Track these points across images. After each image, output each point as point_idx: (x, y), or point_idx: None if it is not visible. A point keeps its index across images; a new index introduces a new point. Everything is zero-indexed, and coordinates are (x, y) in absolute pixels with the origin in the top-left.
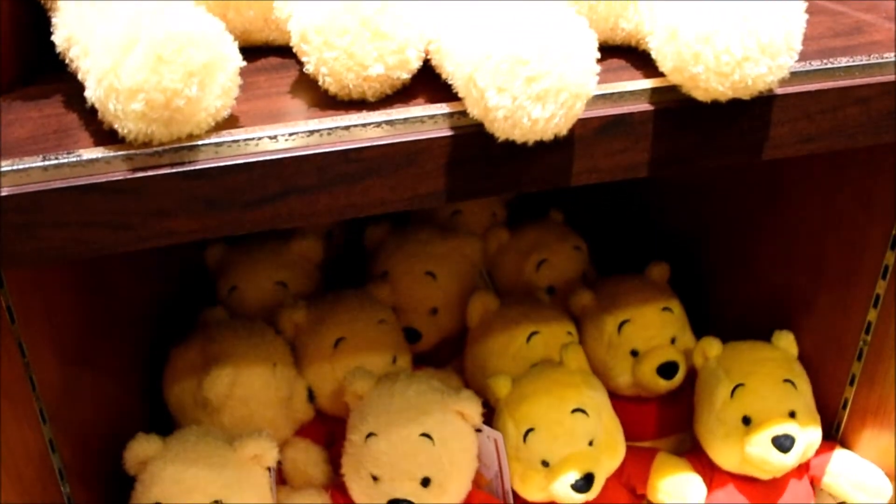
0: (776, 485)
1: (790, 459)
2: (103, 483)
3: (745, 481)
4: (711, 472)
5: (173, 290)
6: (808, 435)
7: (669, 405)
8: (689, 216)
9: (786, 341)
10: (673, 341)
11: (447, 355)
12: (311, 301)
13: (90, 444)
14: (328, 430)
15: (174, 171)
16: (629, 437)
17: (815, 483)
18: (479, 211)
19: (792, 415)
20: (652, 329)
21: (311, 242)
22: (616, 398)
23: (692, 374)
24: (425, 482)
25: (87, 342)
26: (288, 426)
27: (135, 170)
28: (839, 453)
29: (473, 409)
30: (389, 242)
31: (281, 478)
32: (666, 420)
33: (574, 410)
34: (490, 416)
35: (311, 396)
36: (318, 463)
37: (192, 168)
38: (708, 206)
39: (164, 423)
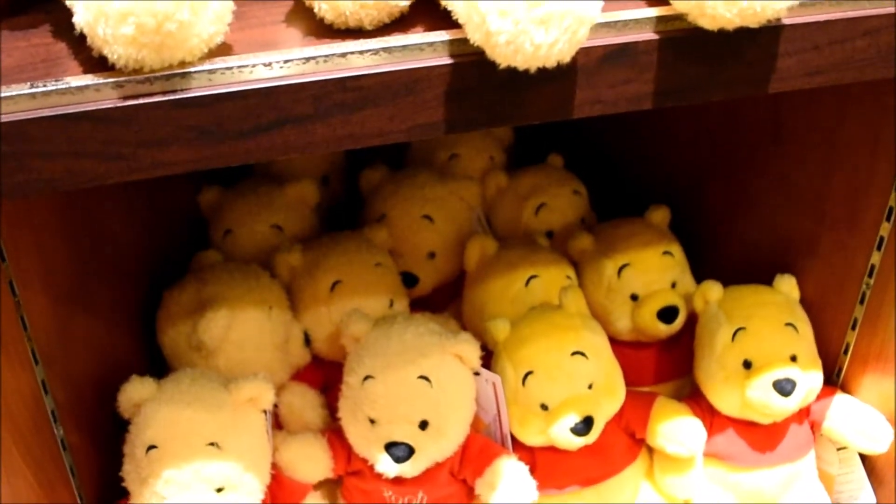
0: (776, 429)
1: (791, 403)
2: (97, 426)
3: (746, 426)
4: (711, 417)
5: (168, 234)
6: (810, 379)
7: (669, 350)
8: (689, 160)
9: (788, 285)
10: (673, 286)
11: (445, 300)
12: (306, 244)
13: (83, 386)
14: (325, 374)
15: (166, 98)
16: (628, 382)
17: (815, 428)
18: (477, 154)
19: (793, 359)
20: (652, 273)
21: (306, 186)
22: (615, 343)
23: (692, 319)
24: (423, 425)
25: (80, 284)
26: (284, 370)
27: (125, 98)
28: (840, 398)
29: (472, 352)
30: (386, 186)
31: (277, 422)
32: (665, 365)
33: (573, 353)
34: (488, 360)
35: (308, 341)
36: (315, 407)
37: (185, 96)
38: (709, 150)
39: (159, 369)
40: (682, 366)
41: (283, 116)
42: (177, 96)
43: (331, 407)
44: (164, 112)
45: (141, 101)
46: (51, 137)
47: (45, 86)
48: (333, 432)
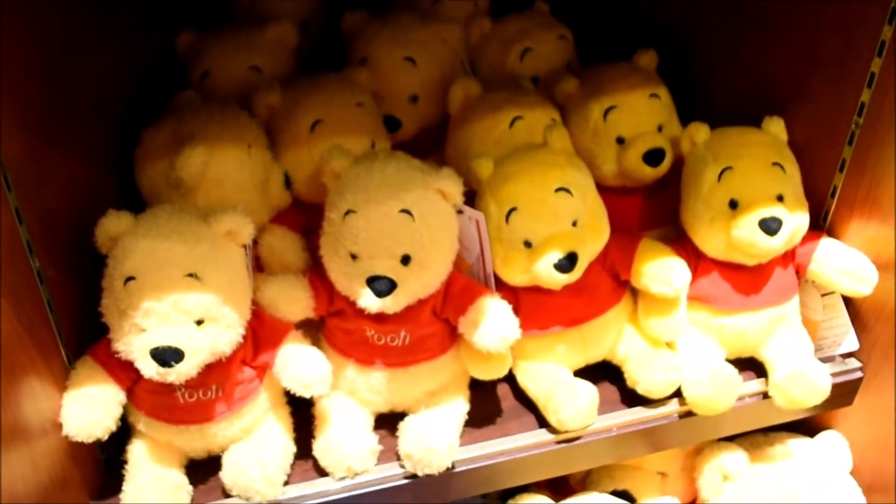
0: (761, 272)
1: (776, 242)
2: (74, 262)
3: (731, 269)
4: (696, 260)
5: (146, 76)
6: (796, 219)
7: (655, 197)
8: (677, 5)
9: (776, 127)
10: (660, 129)
11: (427, 148)
12: (286, 85)
13: (59, 220)
14: (305, 218)
15: None
16: (613, 229)
17: (800, 272)
18: None
19: (780, 198)
20: (639, 116)
21: (285, 27)
22: (601, 189)
23: (679, 166)
24: (405, 260)
25: (54, 117)
26: (264, 211)
27: None
28: (826, 242)
29: (454, 187)
30: (368, 28)
31: (258, 266)
32: (651, 212)
33: (558, 189)
34: (472, 203)
35: (288, 183)
36: (296, 249)
37: None
38: None
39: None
40: (668, 214)
41: None
42: None
43: (312, 250)
44: None
45: None
46: None
47: None
48: (315, 273)
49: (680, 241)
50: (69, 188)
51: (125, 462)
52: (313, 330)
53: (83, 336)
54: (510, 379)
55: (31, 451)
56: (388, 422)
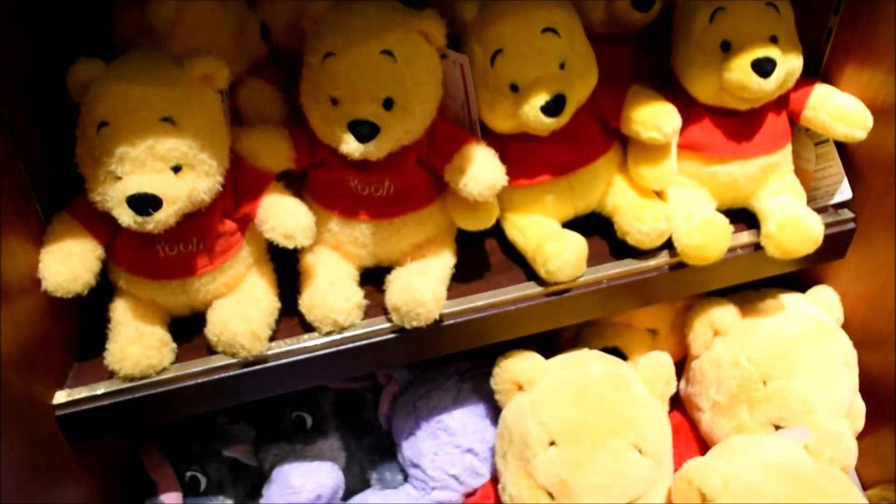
0: (754, 119)
1: (770, 85)
2: (46, 115)
3: (722, 116)
4: (688, 108)
5: None
6: (789, 61)
7: (645, 46)
8: None
9: None
10: None
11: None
12: None
13: (27, 70)
14: (284, 72)
15: None
16: (603, 78)
17: (794, 118)
18: None
19: (773, 39)
20: None
21: None
22: (590, 39)
23: (670, 17)
24: (387, 104)
25: None
26: (241, 61)
27: None
28: (820, 87)
29: (437, 29)
30: None
31: (238, 121)
32: (641, 62)
33: (544, 30)
34: (456, 49)
35: (266, 35)
36: (274, 101)
37: None
38: None
39: None
40: (659, 63)
41: None
42: None
43: (291, 104)
44: None
45: None
46: None
47: None
48: (295, 125)
49: (671, 89)
50: (35, 39)
51: (107, 321)
52: (296, 187)
53: (58, 195)
54: (498, 234)
55: (11, 309)
56: (374, 277)
